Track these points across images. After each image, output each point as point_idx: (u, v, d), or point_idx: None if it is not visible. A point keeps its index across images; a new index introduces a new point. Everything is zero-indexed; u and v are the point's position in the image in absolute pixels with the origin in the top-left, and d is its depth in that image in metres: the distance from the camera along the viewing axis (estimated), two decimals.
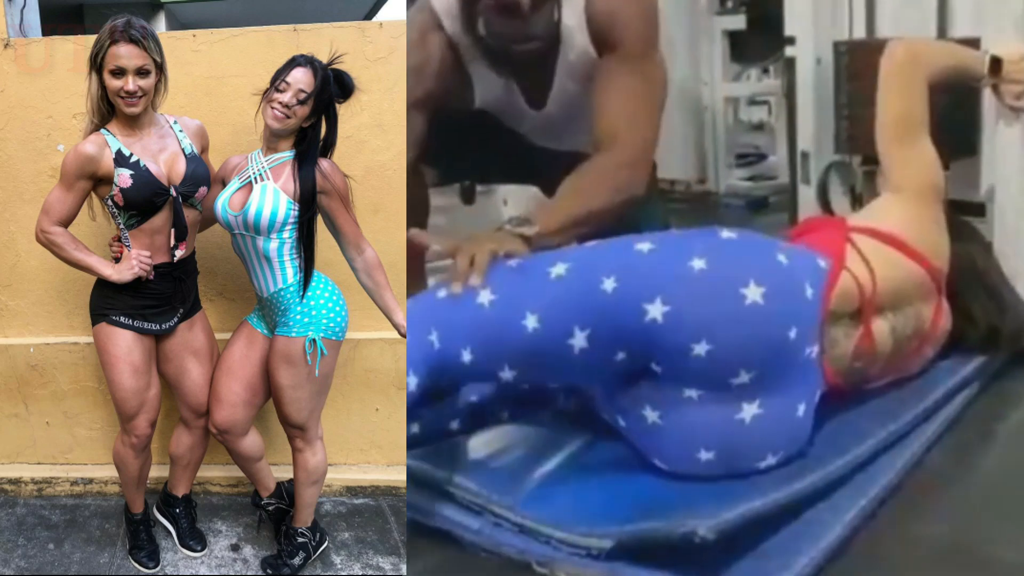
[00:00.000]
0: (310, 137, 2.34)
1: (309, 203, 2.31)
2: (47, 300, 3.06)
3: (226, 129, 2.78)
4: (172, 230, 2.38)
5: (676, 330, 1.73)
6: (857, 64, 2.92)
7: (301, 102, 2.27)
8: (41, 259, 2.85)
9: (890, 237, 2.18)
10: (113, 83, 2.24)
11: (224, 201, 2.37)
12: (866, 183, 3.07)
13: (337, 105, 2.38)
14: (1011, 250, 2.57)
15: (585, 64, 2.49)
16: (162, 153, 2.37)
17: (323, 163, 2.35)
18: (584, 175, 2.30)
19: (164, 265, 2.41)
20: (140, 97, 2.26)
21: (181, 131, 2.43)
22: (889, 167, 2.38)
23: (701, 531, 1.59)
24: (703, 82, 4.46)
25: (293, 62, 2.31)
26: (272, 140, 2.35)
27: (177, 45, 2.83)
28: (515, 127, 2.66)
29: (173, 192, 2.34)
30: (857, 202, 3.07)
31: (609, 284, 1.78)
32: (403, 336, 2.33)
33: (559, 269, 1.84)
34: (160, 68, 2.29)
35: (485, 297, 1.84)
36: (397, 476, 3.12)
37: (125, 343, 2.42)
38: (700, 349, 1.73)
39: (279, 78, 2.29)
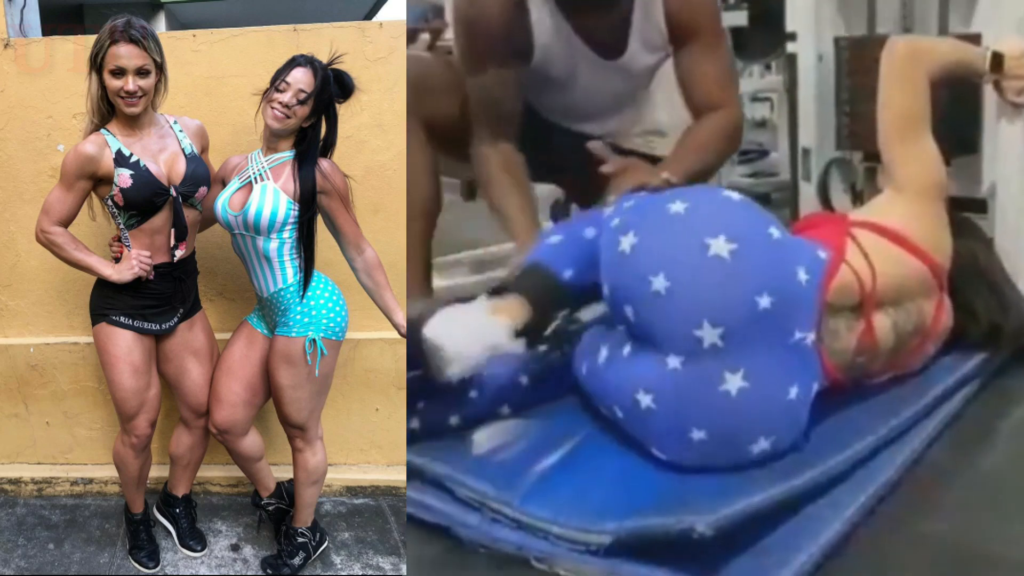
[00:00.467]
0: (310, 137, 2.34)
1: (309, 203, 2.31)
2: (47, 300, 3.06)
3: (226, 129, 2.77)
4: (172, 230, 2.37)
5: (638, 260, 1.84)
6: (858, 60, 2.91)
7: (301, 102, 2.27)
8: (41, 259, 2.84)
9: (891, 233, 2.18)
10: (113, 83, 2.24)
11: (224, 201, 2.36)
12: (867, 180, 3.06)
13: (337, 105, 2.37)
14: (1013, 247, 2.56)
15: (657, 39, 2.62)
16: (162, 153, 2.37)
17: (323, 163, 2.34)
18: (701, 130, 2.55)
19: (164, 265, 2.40)
20: (140, 97, 2.26)
21: (181, 131, 2.43)
22: (890, 164, 2.38)
23: (700, 527, 1.59)
24: None
25: (293, 62, 2.30)
26: (272, 140, 2.34)
27: (177, 45, 2.82)
28: (547, 105, 2.74)
29: (173, 192, 2.34)
30: (858, 199, 3.07)
31: (613, 223, 1.96)
32: (403, 336, 2.32)
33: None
34: (160, 68, 2.29)
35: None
36: (397, 476, 3.11)
37: (125, 343, 2.42)
38: (659, 284, 1.79)
39: (279, 78, 2.28)
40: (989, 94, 2.66)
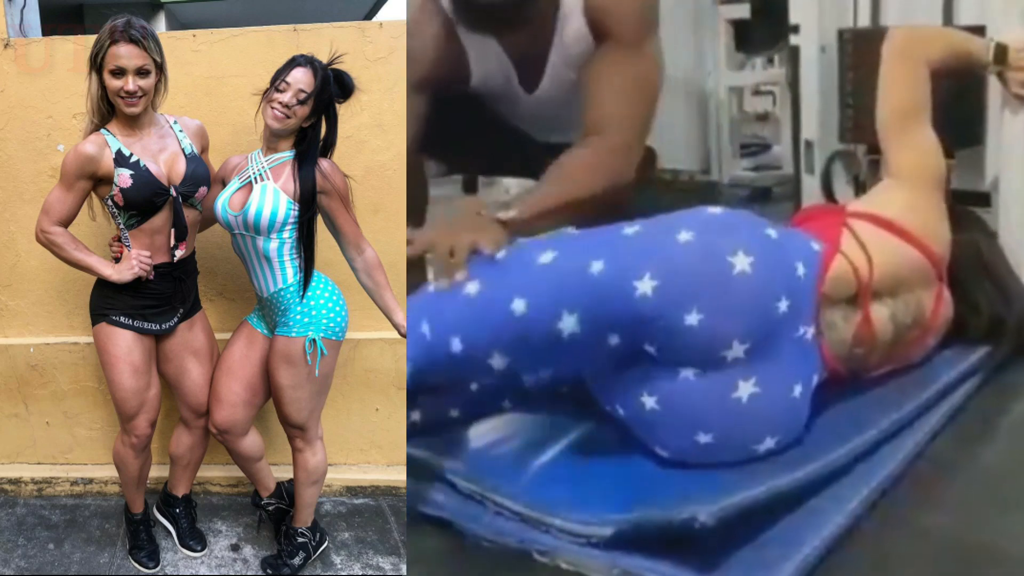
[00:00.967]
0: (310, 137, 2.34)
1: (309, 203, 2.31)
2: (47, 300, 3.06)
3: (226, 129, 2.77)
4: (172, 230, 2.37)
5: (666, 303, 1.73)
6: (861, 52, 2.90)
7: (301, 102, 2.27)
8: (41, 259, 2.84)
9: (888, 223, 2.16)
10: (113, 83, 2.24)
11: (224, 201, 2.36)
12: (870, 172, 3.04)
13: (337, 105, 2.37)
14: (1016, 240, 2.55)
15: (581, 51, 2.48)
16: (162, 153, 2.36)
17: (323, 163, 2.34)
18: (569, 160, 2.31)
19: (164, 265, 2.40)
20: (140, 97, 2.26)
21: (181, 131, 2.43)
22: (889, 153, 2.37)
23: (701, 517, 1.58)
24: (706, 72, 4.42)
25: (293, 62, 2.30)
26: (272, 140, 2.34)
27: (177, 45, 2.82)
28: (508, 114, 2.64)
29: (173, 192, 2.34)
30: (861, 192, 3.05)
31: (597, 266, 1.78)
32: (403, 336, 2.33)
33: (547, 256, 1.86)
34: (160, 68, 2.29)
35: (472, 288, 1.87)
36: (397, 476, 3.12)
37: (125, 343, 2.41)
38: (692, 319, 1.73)
39: (279, 78, 2.28)
40: (993, 86, 2.64)
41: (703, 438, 1.80)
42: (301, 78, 2.27)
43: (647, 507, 1.66)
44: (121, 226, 2.38)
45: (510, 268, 1.89)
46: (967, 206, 2.58)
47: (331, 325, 2.39)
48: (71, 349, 3.06)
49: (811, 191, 3.29)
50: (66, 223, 2.37)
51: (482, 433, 2.02)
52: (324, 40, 2.61)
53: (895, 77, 2.38)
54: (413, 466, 1.94)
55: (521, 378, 1.96)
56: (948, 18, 2.96)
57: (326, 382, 2.46)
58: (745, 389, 1.78)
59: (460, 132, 2.63)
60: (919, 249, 2.16)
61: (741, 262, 1.75)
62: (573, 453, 1.92)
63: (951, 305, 2.24)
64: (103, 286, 2.42)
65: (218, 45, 2.88)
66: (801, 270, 1.87)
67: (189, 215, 2.40)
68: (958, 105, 2.59)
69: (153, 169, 2.31)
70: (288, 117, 2.27)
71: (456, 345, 1.87)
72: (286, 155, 2.34)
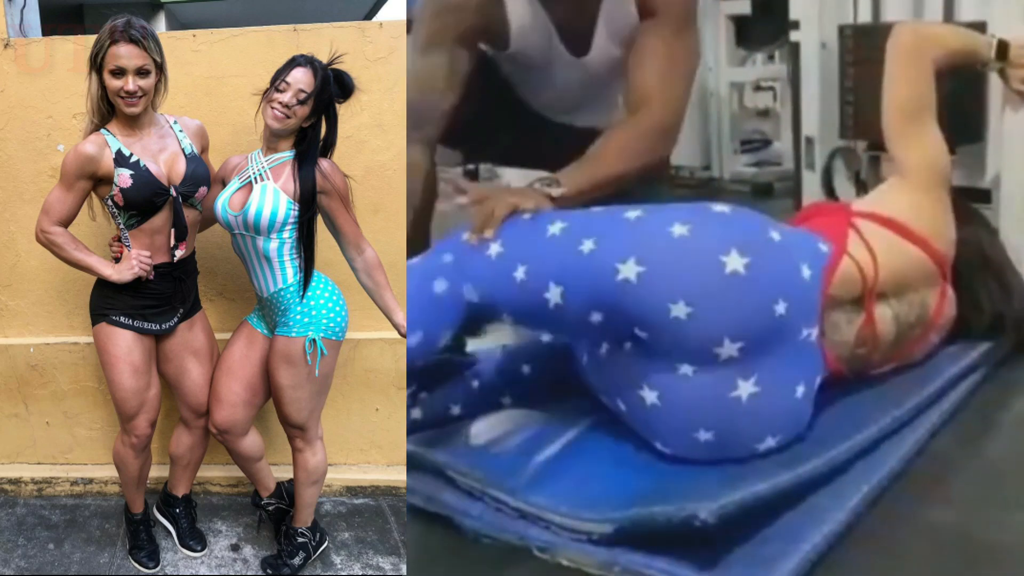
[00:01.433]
0: (310, 137, 2.34)
1: (309, 203, 2.31)
2: (47, 300, 3.05)
3: (226, 129, 2.77)
4: (172, 230, 2.37)
5: (650, 291, 1.74)
6: (862, 48, 2.89)
7: (301, 102, 2.26)
8: (41, 259, 2.84)
9: (893, 222, 2.15)
10: (113, 83, 2.23)
11: (224, 201, 2.36)
12: (871, 169, 3.04)
13: (337, 105, 2.37)
14: (1017, 237, 2.54)
15: (627, 25, 2.50)
16: (162, 153, 2.36)
17: (323, 163, 2.34)
18: (613, 137, 2.33)
19: (164, 265, 2.40)
20: (140, 97, 2.25)
21: (181, 131, 2.43)
22: (895, 152, 2.36)
23: (702, 514, 1.57)
24: (707, 68, 4.42)
25: (293, 62, 2.30)
26: (272, 140, 2.34)
27: (177, 45, 2.82)
28: (539, 86, 2.65)
29: (173, 192, 2.34)
30: (862, 188, 3.05)
31: (587, 245, 1.82)
32: (403, 336, 2.32)
33: (555, 227, 1.90)
34: (160, 68, 2.29)
35: (494, 249, 1.94)
36: (397, 476, 3.11)
37: (125, 343, 2.41)
38: (679, 311, 1.73)
39: (279, 78, 2.28)
40: (994, 83, 2.63)
41: (703, 436, 1.79)
42: (301, 78, 2.26)
43: (648, 504, 1.64)
44: (121, 226, 2.38)
45: (524, 232, 1.94)
46: (969, 202, 2.57)
47: (331, 325, 2.38)
48: (71, 349, 3.06)
49: (812, 187, 3.29)
50: (66, 223, 2.37)
51: (483, 430, 2.01)
52: (324, 40, 2.60)
53: (901, 75, 2.37)
54: (412, 462, 1.94)
55: (522, 368, 2.04)
56: (949, 14, 2.96)
57: (326, 382, 2.46)
58: (745, 388, 1.77)
59: (478, 120, 2.63)
60: (924, 249, 2.15)
61: (734, 262, 1.74)
62: (574, 449, 1.92)
63: (954, 303, 2.23)
64: (103, 286, 2.41)
65: (218, 45, 2.87)
66: (806, 272, 1.85)
67: (189, 215, 2.40)
68: (959, 101, 2.57)
69: (153, 169, 2.31)
70: (288, 117, 2.27)
71: (473, 296, 1.94)
72: (286, 155, 2.33)
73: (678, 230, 1.78)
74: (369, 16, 9.80)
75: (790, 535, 1.60)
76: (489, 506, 1.79)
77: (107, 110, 2.32)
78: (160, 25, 8.49)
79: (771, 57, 4.60)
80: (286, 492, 2.70)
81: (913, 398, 2.02)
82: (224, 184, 2.44)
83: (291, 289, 2.37)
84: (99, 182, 2.32)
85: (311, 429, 2.50)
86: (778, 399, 1.81)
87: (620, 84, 2.53)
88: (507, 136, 2.71)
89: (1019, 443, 1.99)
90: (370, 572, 2.65)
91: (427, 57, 2.47)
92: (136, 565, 2.66)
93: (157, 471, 2.79)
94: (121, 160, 2.29)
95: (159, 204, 2.34)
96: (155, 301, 2.43)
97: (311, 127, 2.33)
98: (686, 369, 1.78)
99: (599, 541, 1.64)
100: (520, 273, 1.87)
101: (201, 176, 2.40)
